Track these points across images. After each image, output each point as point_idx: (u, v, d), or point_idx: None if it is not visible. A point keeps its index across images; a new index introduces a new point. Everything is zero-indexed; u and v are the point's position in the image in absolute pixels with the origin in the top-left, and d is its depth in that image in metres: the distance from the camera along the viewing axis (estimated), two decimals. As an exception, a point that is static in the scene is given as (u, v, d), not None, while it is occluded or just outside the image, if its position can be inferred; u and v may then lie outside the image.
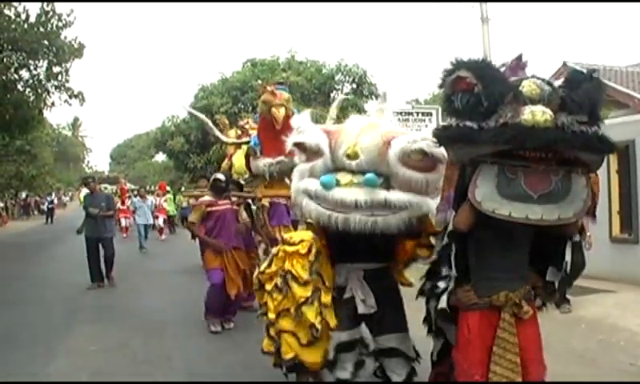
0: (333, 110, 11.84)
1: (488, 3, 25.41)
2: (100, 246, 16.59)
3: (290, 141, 6.26)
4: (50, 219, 55.08)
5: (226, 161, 14.72)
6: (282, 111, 10.32)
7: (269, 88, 10.83)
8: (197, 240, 12.15)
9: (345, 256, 6.57)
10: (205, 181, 14.80)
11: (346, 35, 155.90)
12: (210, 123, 12.98)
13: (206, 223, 11.50)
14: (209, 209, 11.45)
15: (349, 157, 5.83)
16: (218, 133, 13.27)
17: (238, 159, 13.45)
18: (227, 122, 15.82)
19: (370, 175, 5.66)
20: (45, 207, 59.83)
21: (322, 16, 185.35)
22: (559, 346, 9.30)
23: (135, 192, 38.33)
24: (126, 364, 9.37)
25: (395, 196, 5.64)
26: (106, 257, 16.79)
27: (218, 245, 11.29)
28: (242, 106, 33.89)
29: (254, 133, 12.14)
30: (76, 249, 20.38)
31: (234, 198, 11.78)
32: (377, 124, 6.22)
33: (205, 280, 11.69)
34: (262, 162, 11.10)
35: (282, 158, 10.33)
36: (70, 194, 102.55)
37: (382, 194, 5.65)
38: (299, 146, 6.22)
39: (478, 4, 25.50)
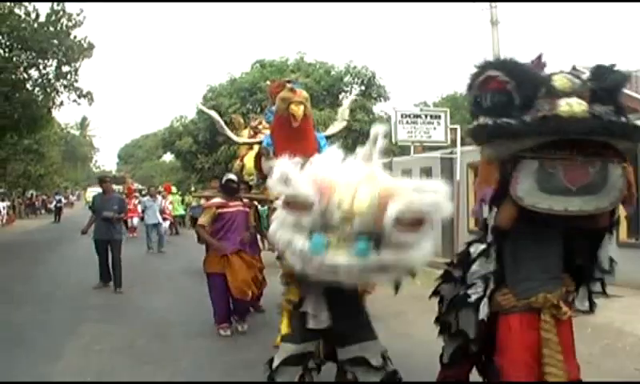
0: (345, 111, 11.61)
1: (498, 6, 25.39)
2: (109, 248, 16.10)
3: (275, 187, 5.58)
4: (57, 218, 54.70)
5: (238, 162, 13.91)
6: (302, 109, 9.70)
7: (288, 85, 10.18)
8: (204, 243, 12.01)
9: None
10: (217, 181, 14.43)
11: (355, 37, 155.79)
12: (222, 122, 12.28)
13: (215, 224, 11.18)
14: (219, 210, 11.16)
15: (344, 220, 5.21)
16: (229, 132, 12.21)
17: (250, 160, 12.61)
18: (242, 121, 15.43)
19: (362, 246, 5.13)
20: (52, 206, 59.55)
21: (331, 17, 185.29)
22: (565, 350, 9.28)
23: (144, 191, 38.29)
24: (131, 364, 9.36)
25: (388, 257, 5.20)
26: (114, 260, 16.13)
27: (221, 248, 11.01)
28: (251, 107, 33.83)
29: (267, 132, 11.81)
30: (83, 248, 20.40)
31: (245, 200, 11.58)
32: (373, 176, 5.57)
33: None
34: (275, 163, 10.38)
35: (296, 159, 9.77)
36: (77, 193, 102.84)
37: (376, 259, 5.17)
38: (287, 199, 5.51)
39: (487, 7, 25.49)
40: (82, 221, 18.38)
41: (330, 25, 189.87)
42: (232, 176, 11.82)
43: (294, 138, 9.16)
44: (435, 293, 6.50)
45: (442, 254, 20.49)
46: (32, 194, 69.38)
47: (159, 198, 29.93)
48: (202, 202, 12.10)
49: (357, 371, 6.39)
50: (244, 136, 13.60)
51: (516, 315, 5.44)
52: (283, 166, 5.50)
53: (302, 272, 5.41)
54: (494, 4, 25.37)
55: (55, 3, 28.77)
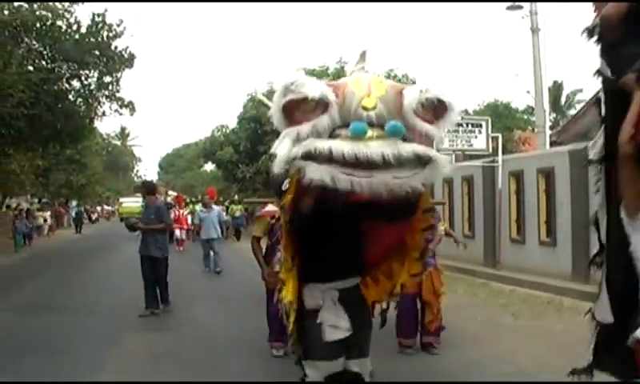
0: None
1: (539, 14, 25.25)
2: (151, 266, 14.24)
3: (278, 100, 4.82)
4: (79, 229, 54.36)
5: None
6: None
7: None
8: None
9: (318, 272, 5.88)
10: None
11: (396, 45, 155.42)
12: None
13: (270, 237, 9.70)
14: (273, 221, 9.48)
15: (365, 108, 4.73)
16: None
17: None
18: None
19: (394, 122, 4.64)
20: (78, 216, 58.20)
21: (371, 25, 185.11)
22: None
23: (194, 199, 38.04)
24: (174, 371, 9.33)
25: (421, 149, 4.69)
26: (157, 280, 14.31)
27: (266, 273, 9.49)
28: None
29: None
30: (127, 257, 20.40)
31: None
32: (381, 79, 5.25)
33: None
34: None
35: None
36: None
37: (410, 146, 4.64)
38: (292, 105, 4.80)
39: (528, 14, 25.37)
40: (116, 232, 18.25)
41: (371, 33, 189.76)
42: None
43: None
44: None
45: (484, 262, 20.37)
46: (50, 202, 69.18)
47: (215, 208, 25.13)
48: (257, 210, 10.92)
49: None
50: None
51: None
52: (291, 75, 4.84)
53: (332, 185, 4.58)
54: (533, 10, 25.24)
55: (96, 15, 29.05)
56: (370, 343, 6.21)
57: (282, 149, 4.85)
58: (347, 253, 5.77)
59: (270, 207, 9.90)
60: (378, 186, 4.57)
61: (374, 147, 4.51)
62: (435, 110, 4.85)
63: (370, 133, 4.59)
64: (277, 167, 4.97)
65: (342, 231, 5.56)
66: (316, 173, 4.58)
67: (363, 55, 5.51)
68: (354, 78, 5.09)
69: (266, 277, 9.48)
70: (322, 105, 4.72)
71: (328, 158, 4.54)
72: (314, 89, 4.70)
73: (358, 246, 5.84)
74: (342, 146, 4.51)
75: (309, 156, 4.62)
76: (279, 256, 6.76)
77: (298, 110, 4.78)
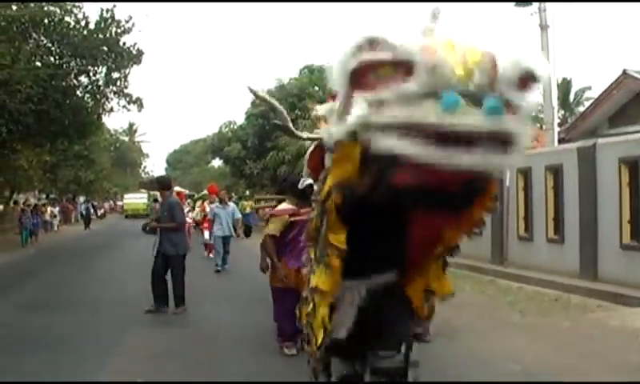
0: None
1: (547, 10, 25.13)
2: (164, 264, 13.85)
3: (347, 61, 4.20)
4: (87, 225, 53.00)
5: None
6: None
7: None
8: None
9: (359, 267, 5.18)
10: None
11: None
12: (285, 114, 10.37)
13: (285, 235, 9.73)
14: (292, 219, 9.59)
15: (460, 77, 3.94)
16: (291, 126, 10.32)
17: None
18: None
19: (492, 103, 3.92)
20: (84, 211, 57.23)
21: (381, 20, 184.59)
22: (615, 358, 9.12)
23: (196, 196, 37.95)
24: (175, 371, 9.25)
25: (514, 124, 4.07)
26: (172, 278, 13.97)
27: (281, 271, 9.64)
28: (300, 113, 33.69)
29: None
30: (132, 254, 20.33)
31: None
32: (473, 44, 4.24)
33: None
34: None
35: None
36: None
37: (508, 122, 4.03)
38: (367, 68, 4.10)
39: (536, 11, 25.26)
40: (124, 228, 18.19)
41: (380, 28, 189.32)
42: (311, 180, 9.25)
43: None
44: None
45: (491, 260, 20.31)
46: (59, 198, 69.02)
47: (231, 204, 23.95)
48: (267, 210, 10.78)
49: None
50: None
51: None
52: (363, 34, 4.15)
53: (419, 161, 3.87)
54: (542, 7, 25.14)
55: (104, 11, 29.07)
56: (406, 339, 5.62)
57: (357, 110, 4.11)
58: (385, 245, 5.09)
59: (285, 205, 9.92)
60: (467, 162, 3.93)
61: (472, 121, 3.90)
62: (521, 79, 4.18)
63: (464, 106, 3.91)
64: (338, 131, 4.41)
65: (386, 220, 4.80)
66: (399, 147, 3.92)
67: (435, 15, 4.58)
68: (444, 40, 4.17)
69: (282, 277, 9.60)
70: (403, 68, 3.97)
71: (412, 130, 3.92)
72: (400, 46, 4.00)
73: (398, 237, 5.01)
74: (431, 119, 3.87)
75: (388, 126, 3.99)
76: (305, 258, 6.58)
77: (372, 73, 4.10)
